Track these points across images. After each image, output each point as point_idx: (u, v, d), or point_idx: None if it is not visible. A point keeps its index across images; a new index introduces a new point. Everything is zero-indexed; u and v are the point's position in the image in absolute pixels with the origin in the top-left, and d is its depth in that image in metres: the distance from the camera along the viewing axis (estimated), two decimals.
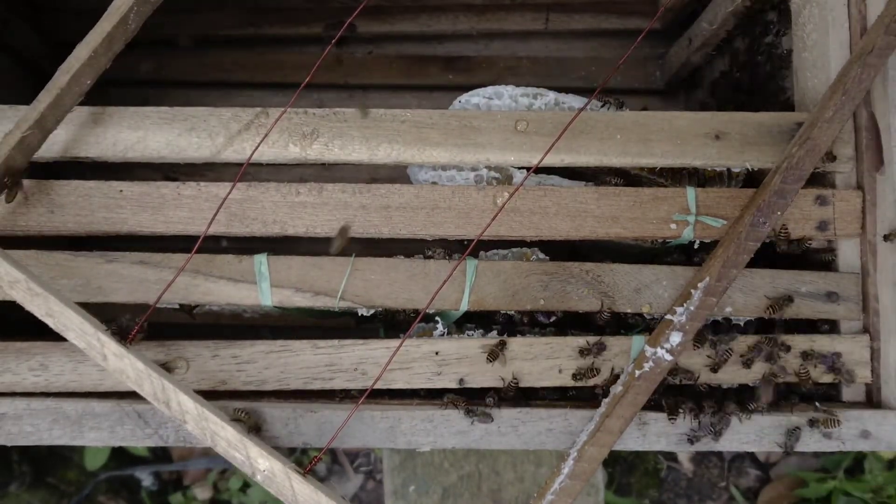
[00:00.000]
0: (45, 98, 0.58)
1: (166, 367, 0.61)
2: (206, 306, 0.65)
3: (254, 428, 0.57)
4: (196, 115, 0.64)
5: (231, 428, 0.53)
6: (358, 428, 0.62)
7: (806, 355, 0.64)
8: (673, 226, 0.63)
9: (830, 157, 0.64)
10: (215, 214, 0.61)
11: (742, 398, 0.64)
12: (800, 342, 0.64)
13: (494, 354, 0.62)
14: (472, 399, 0.63)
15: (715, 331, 0.65)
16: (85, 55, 0.58)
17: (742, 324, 0.66)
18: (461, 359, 0.63)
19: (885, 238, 0.64)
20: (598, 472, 1.00)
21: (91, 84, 0.60)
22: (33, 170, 0.62)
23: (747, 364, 0.63)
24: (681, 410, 0.61)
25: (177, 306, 0.65)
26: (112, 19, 0.59)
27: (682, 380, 0.63)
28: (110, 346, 0.54)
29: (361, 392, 0.59)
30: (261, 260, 0.63)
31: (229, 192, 0.62)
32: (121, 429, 0.61)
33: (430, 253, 0.65)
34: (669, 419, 0.61)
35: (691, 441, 0.61)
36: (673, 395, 0.64)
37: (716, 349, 0.62)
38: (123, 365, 0.54)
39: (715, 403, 0.62)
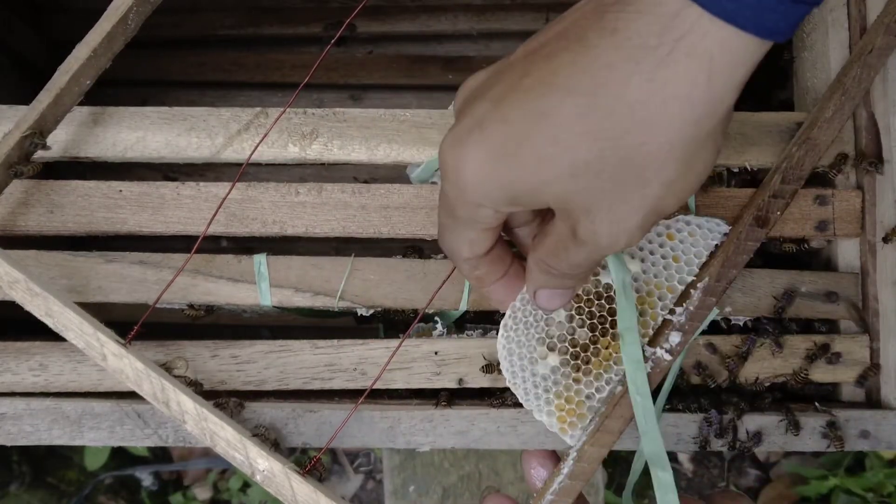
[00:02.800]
0: (44, 98, 0.58)
1: (166, 367, 0.61)
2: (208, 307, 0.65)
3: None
4: (195, 115, 0.64)
5: (230, 428, 0.53)
6: (357, 428, 0.62)
7: (812, 355, 0.64)
8: None
9: (842, 157, 0.64)
10: (214, 214, 0.61)
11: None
12: (799, 342, 0.64)
13: (490, 369, 0.62)
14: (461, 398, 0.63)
15: (715, 332, 0.65)
16: (84, 55, 0.58)
17: (741, 324, 0.66)
18: (460, 359, 0.63)
19: (885, 240, 0.64)
20: (598, 472, 1.00)
21: (91, 84, 0.60)
22: None
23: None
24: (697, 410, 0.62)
25: (176, 306, 0.65)
26: (112, 19, 0.59)
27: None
28: (109, 346, 0.54)
29: (361, 392, 0.59)
30: (260, 260, 0.63)
31: (228, 192, 0.62)
32: (120, 429, 0.61)
33: (410, 254, 0.66)
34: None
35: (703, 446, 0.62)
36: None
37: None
38: (122, 365, 0.54)
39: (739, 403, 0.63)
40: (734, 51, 0.35)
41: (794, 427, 0.62)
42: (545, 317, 0.55)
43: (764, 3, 0.34)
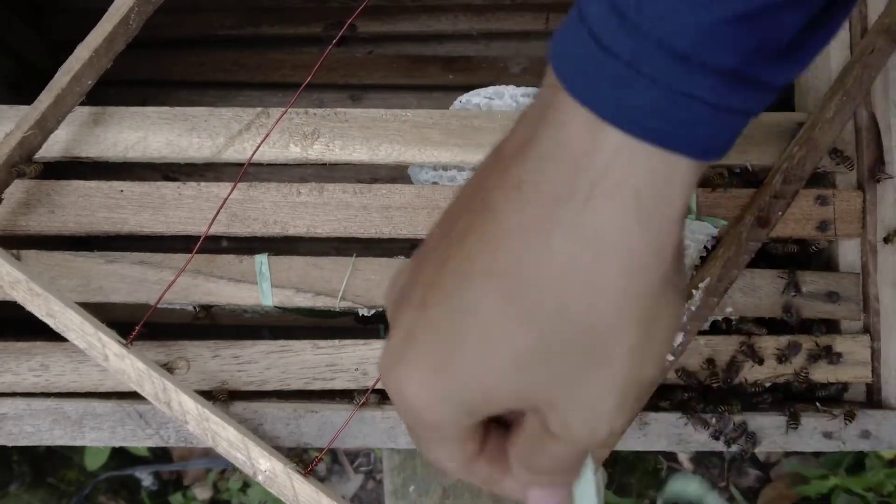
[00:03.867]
0: (46, 98, 0.58)
1: (167, 368, 0.61)
2: (209, 307, 0.65)
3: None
4: (196, 115, 0.64)
5: (232, 428, 0.53)
6: (359, 428, 0.62)
7: (813, 357, 0.64)
8: None
9: (845, 159, 0.64)
10: (216, 215, 0.61)
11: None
12: (800, 342, 0.64)
13: None
14: None
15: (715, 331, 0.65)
16: (86, 55, 0.58)
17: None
18: None
19: (885, 240, 0.64)
20: (599, 472, 1.00)
21: (92, 84, 0.60)
22: None
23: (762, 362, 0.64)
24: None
25: (178, 307, 0.65)
26: (113, 19, 0.59)
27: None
28: (111, 347, 0.54)
29: (362, 392, 0.59)
30: (261, 260, 0.63)
31: (230, 193, 0.62)
32: (122, 429, 0.61)
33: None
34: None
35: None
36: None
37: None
38: (124, 365, 0.54)
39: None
40: (664, 181, 0.28)
41: (794, 419, 0.62)
42: None
43: (697, 114, 0.27)
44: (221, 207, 0.61)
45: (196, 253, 0.61)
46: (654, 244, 0.29)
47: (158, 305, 0.60)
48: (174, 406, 0.53)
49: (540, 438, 0.34)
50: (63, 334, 0.55)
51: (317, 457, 0.55)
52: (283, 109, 0.63)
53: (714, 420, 0.62)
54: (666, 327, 0.32)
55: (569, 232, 0.29)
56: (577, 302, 0.30)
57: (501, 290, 0.30)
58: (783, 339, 0.64)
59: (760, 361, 0.63)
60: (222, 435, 0.53)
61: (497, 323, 0.31)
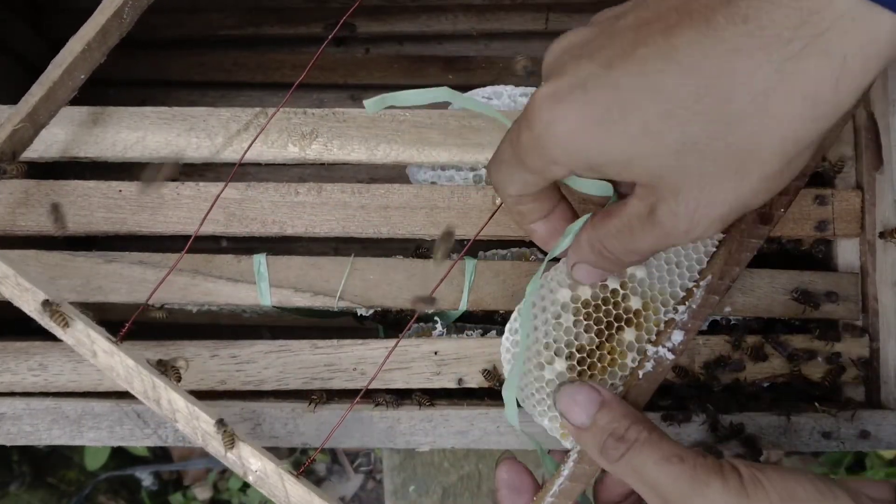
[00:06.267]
0: (37, 91, 0.58)
1: (165, 367, 0.61)
2: (204, 306, 0.65)
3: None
4: (195, 115, 0.64)
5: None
6: (356, 428, 0.62)
7: (793, 356, 0.64)
8: None
9: (838, 165, 0.64)
10: (207, 213, 0.60)
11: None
12: (798, 342, 0.64)
13: (491, 377, 0.62)
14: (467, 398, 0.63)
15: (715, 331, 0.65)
16: (78, 48, 0.58)
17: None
18: (460, 359, 0.63)
19: (881, 236, 0.63)
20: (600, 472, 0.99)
21: (85, 78, 0.60)
22: (33, 170, 0.62)
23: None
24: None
25: (176, 307, 0.65)
26: (107, 12, 0.58)
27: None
28: (100, 343, 0.54)
29: (366, 392, 0.59)
30: (260, 260, 0.63)
31: (221, 191, 0.61)
32: (120, 429, 0.61)
33: (422, 250, 0.66)
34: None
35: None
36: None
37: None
38: (114, 362, 0.53)
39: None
40: (869, 53, 0.34)
41: (787, 414, 0.62)
42: (553, 322, 0.53)
43: None
44: (213, 205, 0.60)
45: (194, 252, 0.61)
46: (835, 105, 0.36)
47: (159, 305, 0.60)
48: (163, 404, 0.53)
49: (634, 224, 0.42)
50: (51, 330, 0.55)
51: (309, 457, 0.55)
52: (277, 107, 0.62)
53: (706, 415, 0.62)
54: (793, 171, 0.39)
55: (776, 68, 0.35)
56: (754, 123, 0.36)
57: (698, 87, 0.36)
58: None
59: (764, 357, 0.63)
60: (212, 434, 0.53)
61: (683, 109, 0.36)
